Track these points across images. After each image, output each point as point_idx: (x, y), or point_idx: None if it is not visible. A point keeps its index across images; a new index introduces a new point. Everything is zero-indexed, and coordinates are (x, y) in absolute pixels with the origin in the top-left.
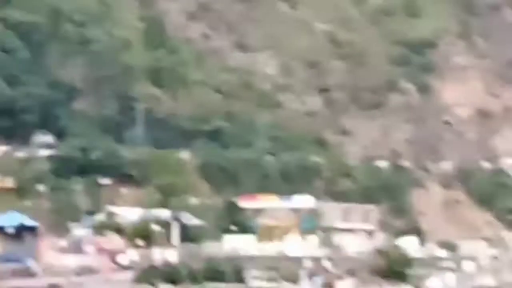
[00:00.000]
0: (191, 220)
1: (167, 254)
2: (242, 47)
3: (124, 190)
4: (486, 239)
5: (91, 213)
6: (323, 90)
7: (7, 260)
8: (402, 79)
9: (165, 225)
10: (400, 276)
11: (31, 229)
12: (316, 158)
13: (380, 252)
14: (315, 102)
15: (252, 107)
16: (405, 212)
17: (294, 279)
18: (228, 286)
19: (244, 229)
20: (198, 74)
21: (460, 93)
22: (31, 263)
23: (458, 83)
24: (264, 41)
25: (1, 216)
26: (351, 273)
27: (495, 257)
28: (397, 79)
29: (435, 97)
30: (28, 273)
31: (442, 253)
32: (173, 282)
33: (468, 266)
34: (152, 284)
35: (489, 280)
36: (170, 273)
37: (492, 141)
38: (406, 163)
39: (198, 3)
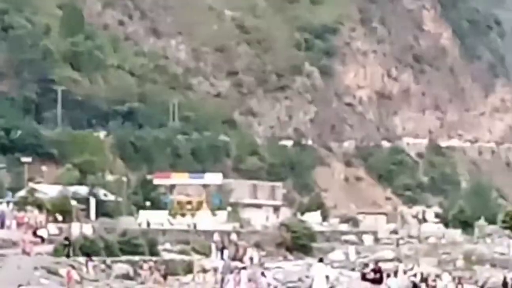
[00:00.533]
0: (107, 196)
1: (85, 228)
2: (155, 33)
3: (44, 168)
4: (386, 214)
5: (13, 189)
6: (232, 74)
7: None
8: (306, 63)
9: (83, 201)
10: (304, 249)
11: None
12: (225, 138)
13: (285, 226)
14: (224, 84)
15: (165, 90)
16: (309, 189)
17: (205, 252)
18: (142, 258)
19: (157, 204)
20: (114, 58)
21: (361, 76)
22: None
23: (359, 66)
24: (176, 27)
25: None
26: (258, 245)
27: (393, 231)
28: (301, 63)
29: (337, 80)
30: None
31: (344, 227)
32: (89, 254)
33: (368, 239)
34: (70, 256)
35: (388, 252)
36: (86, 246)
37: (391, 121)
38: (309, 142)
39: None
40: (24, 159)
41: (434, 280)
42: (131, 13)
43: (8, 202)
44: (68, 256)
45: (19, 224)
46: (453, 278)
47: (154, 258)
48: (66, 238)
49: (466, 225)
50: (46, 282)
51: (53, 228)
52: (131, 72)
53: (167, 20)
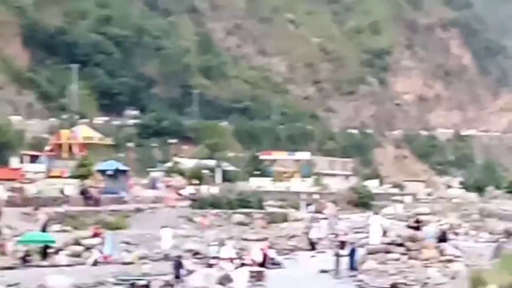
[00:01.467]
0: (229, 167)
1: (212, 190)
2: (263, 53)
3: (185, 147)
4: (423, 181)
5: (162, 162)
6: (316, 82)
7: (108, 192)
8: (368, 75)
9: (212, 170)
10: (366, 205)
11: (124, 172)
12: (311, 127)
13: (353, 189)
14: (310, 90)
15: (269, 93)
16: (370, 163)
17: (296, 207)
18: (252, 211)
19: (263, 173)
20: (234, 71)
21: (407, 85)
22: (124, 194)
23: (405, 78)
24: (277, 49)
25: (104, 163)
26: (334, 202)
27: (430, 194)
28: (365, 75)
29: (390, 87)
30: (122, 201)
31: (394, 190)
32: (215, 207)
33: (410, 199)
34: (202, 208)
35: (425, 208)
36: (214, 202)
37: (427, 117)
38: (370, 131)
39: (234, 24)
40: (171, 140)
41: (457, 228)
42: (246, 39)
43: (159, 171)
44: (201, 208)
45: (167, 186)
46: (470, 227)
47: (261, 211)
48: (199, 197)
49: (480, 190)
50: (186, 227)
51: (190, 189)
52: (246, 81)
53: (271, 44)
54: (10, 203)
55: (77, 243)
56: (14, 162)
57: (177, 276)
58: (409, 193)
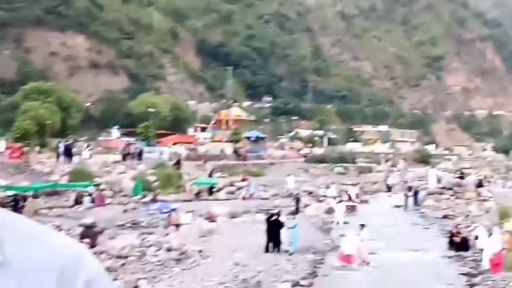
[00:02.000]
0: (332, 136)
1: (320, 151)
2: (355, 59)
3: (302, 122)
4: (466, 146)
5: (288, 132)
6: (392, 78)
7: (251, 151)
8: (428, 73)
9: (320, 137)
10: (426, 162)
11: (262, 138)
12: (388, 109)
13: (417, 151)
14: (388, 84)
15: (359, 86)
16: (429, 133)
17: (378, 162)
18: (348, 165)
19: (356, 140)
20: (336, 71)
21: (455, 80)
22: (262, 153)
23: (454, 75)
24: (365, 56)
25: (249, 132)
26: (404, 159)
27: (471, 154)
28: (426, 73)
29: (443, 82)
30: (260, 158)
31: (446, 152)
32: (323, 162)
33: (456, 158)
34: (314, 163)
35: (467, 164)
36: (322, 159)
37: (470, 102)
38: (429, 111)
39: (336, 39)
40: (293, 118)
41: (489, 178)
42: (344, 49)
43: (285, 138)
44: (313, 163)
45: (290, 148)
46: (499, 177)
47: (354, 165)
48: (312, 155)
49: (506, 152)
50: (303, 175)
51: (306, 150)
52: (344, 77)
53: (361, 53)
54: (188, 158)
55: (231, 185)
56: (190, 131)
57: (297, 208)
58: (456, 154)
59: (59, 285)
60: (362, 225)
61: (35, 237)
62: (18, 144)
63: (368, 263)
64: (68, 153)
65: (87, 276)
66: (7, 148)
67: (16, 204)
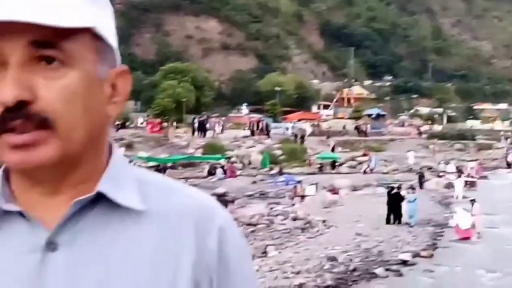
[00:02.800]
0: (451, 113)
1: (439, 128)
2: (475, 38)
3: (422, 100)
4: None
5: (408, 109)
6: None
7: (372, 128)
8: None
9: (440, 115)
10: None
11: (382, 116)
12: (508, 87)
13: None
14: (508, 62)
15: (479, 65)
16: None
17: (497, 139)
18: (467, 142)
19: (475, 117)
20: (456, 50)
21: None
22: (383, 130)
23: None
24: (485, 35)
25: (370, 110)
26: None
27: None
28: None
29: None
30: (381, 134)
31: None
32: (442, 139)
33: None
34: (433, 139)
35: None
36: (441, 135)
37: None
38: None
39: (456, 19)
40: (413, 96)
41: None
42: (464, 29)
43: (405, 115)
44: (432, 139)
45: (409, 125)
46: None
47: (473, 142)
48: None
49: None
50: (423, 151)
51: (426, 127)
52: (464, 57)
53: (481, 32)
54: (312, 134)
55: (353, 159)
56: (314, 109)
57: (421, 183)
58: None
59: (196, 229)
60: (473, 200)
61: (174, 190)
62: (158, 120)
63: (480, 237)
64: (202, 128)
65: (221, 223)
66: (148, 123)
67: None
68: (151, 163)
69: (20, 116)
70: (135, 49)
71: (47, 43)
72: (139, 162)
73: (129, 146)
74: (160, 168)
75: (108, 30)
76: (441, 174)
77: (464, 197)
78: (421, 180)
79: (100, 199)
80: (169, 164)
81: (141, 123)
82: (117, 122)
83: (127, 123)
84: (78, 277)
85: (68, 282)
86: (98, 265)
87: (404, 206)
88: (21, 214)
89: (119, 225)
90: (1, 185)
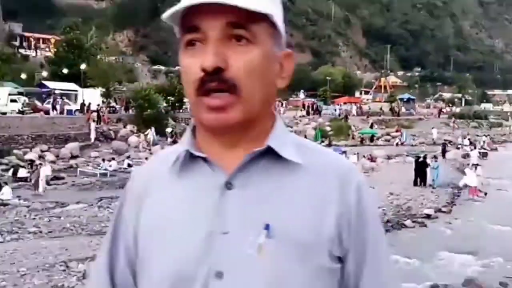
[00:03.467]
0: (468, 98)
1: (458, 109)
2: (489, 37)
3: (445, 87)
4: None
5: (433, 94)
6: None
7: (405, 110)
8: None
9: (459, 99)
10: None
11: (412, 99)
12: None
13: None
14: None
15: (493, 58)
16: None
17: (506, 119)
18: (481, 121)
19: (487, 101)
20: (474, 46)
21: None
22: (412, 111)
23: None
24: (498, 35)
25: (402, 95)
26: None
27: None
28: None
29: None
30: (411, 114)
31: None
32: (461, 118)
33: None
34: (453, 118)
35: None
36: (459, 115)
37: None
38: None
39: (473, 21)
40: (437, 84)
41: None
42: (481, 29)
43: (431, 99)
44: (452, 118)
45: (434, 107)
46: None
47: (486, 121)
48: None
49: None
50: (444, 128)
51: (448, 109)
52: (480, 52)
53: (494, 32)
54: (355, 114)
55: (387, 134)
56: (357, 94)
57: (444, 153)
58: None
59: (340, 185)
60: (475, 165)
61: (321, 151)
62: None
63: (486, 193)
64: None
65: (358, 181)
66: None
67: None
68: None
69: (216, 79)
70: None
71: (239, 24)
72: None
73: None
74: None
75: (279, 21)
76: (459, 146)
77: (477, 166)
78: (443, 151)
79: (267, 153)
80: None
81: None
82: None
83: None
84: (248, 210)
85: (241, 213)
86: (263, 203)
87: (429, 172)
88: (205, 160)
89: (281, 174)
90: (191, 138)
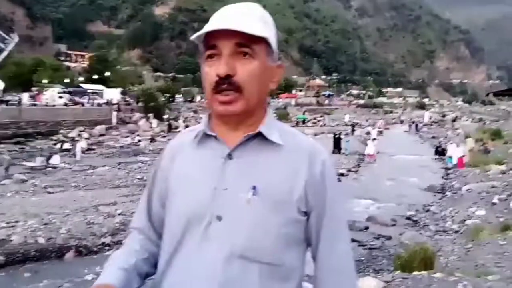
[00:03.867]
0: (370, 93)
1: (363, 102)
2: (385, 52)
3: (354, 86)
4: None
5: (346, 91)
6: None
7: (326, 102)
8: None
9: (364, 94)
10: (423, 108)
11: (332, 95)
12: (401, 78)
13: (418, 101)
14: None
15: (386, 67)
16: (425, 92)
17: (395, 108)
18: (379, 109)
19: (383, 96)
20: (372, 58)
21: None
22: (331, 103)
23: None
24: (390, 50)
25: (325, 92)
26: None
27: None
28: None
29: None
30: (330, 105)
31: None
32: (364, 107)
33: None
34: (359, 107)
35: (446, 109)
36: (364, 105)
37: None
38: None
39: (374, 42)
40: (348, 84)
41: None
42: (378, 47)
43: (344, 94)
44: (359, 107)
45: (346, 100)
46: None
47: (382, 109)
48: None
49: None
50: (374, 112)
51: (355, 101)
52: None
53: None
54: (293, 105)
55: (314, 119)
56: (293, 91)
57: (353, 131)
58: (440, 104)
59: (308, 160)
60: (374, 139)
61: (296, 134)
62: None
63: (375, 160)
64: None
65: (323, 158)
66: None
67: None
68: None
69: (227, 82)
70: None
71: (244, 44)
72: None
73: (195, 112)
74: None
75: (273, 42)
76: (363, 126)
77: (374, 139)
78: (353, 129)
79: (259, 135)
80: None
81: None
82: (189, 98)
83: (194, 99)
84: (241, 174)
85: (236, 176)
86: (253, 170)
87: (342, 144)
88: (215, 137)
89: (267, 151)
90: (207, 121)
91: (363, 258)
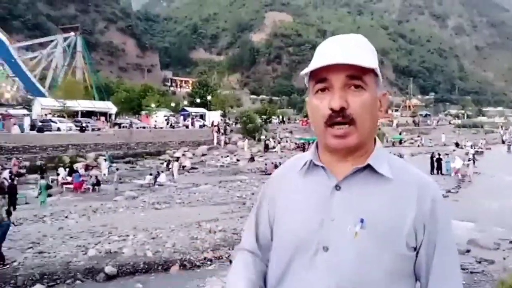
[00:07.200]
0: (469, 113)
1: (461, 121)
2: (484, 71)
3: (452, 106)
4: None
5: (443, 111)
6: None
7: (422, 121)
8: None
9: (463, 113)
10: None
11: (429, 115)
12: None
13: None
14: (502, 84)
15: (486, 86)
16: None
17: (497, 127)
18: (479, 129)
19: (483, 115)
20: (471, 77)
21: None
22: (429, 122)
23: None
24: (490, 68)
25: (421, 111)
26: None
27: None
28: None
29: None
30: (427, 124)
31: None
32: (463, 127)
33: None
34: (457, 127)
35: None
36: (462, 125)
37: None
38: None
39: (471, 60)
40: (446, 103)
41: None
42: (476, 65)
43: (442, 114)
44: (457, 127)
45: (444, 120)
46: None
47: (482, 129)
48: None
49: None
50: (474, 131)
51: (454, 121)
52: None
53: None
54: (386, 125)
55: (411, 139)
56: (389, 112)
57: (455, 149)
58: None
59: (418, 195)
60: (470, 159)
61: (407, 169)
62: (306, 118)
63: (470, 180)
64: None
65: (433, 195)
66: (301, 120)
67: (303, 148)
68: (302, 141)
69: (340, 116)
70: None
71: (356, 76)
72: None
73: (290, 132)
74: (305, 144)
75: (378, 70)
76: (462, 147)
77: (470, 159)
78: (455, 149)
79: (367, 167)
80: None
81: (296, 120)
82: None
83: (286, 120)
84: (349, 206)
85: (344, 208)
86: (361, 202)
87: (443, 165)
88: (323, 168)
89: (376, 184)
90: (314, 151)
91: (464, 282)
